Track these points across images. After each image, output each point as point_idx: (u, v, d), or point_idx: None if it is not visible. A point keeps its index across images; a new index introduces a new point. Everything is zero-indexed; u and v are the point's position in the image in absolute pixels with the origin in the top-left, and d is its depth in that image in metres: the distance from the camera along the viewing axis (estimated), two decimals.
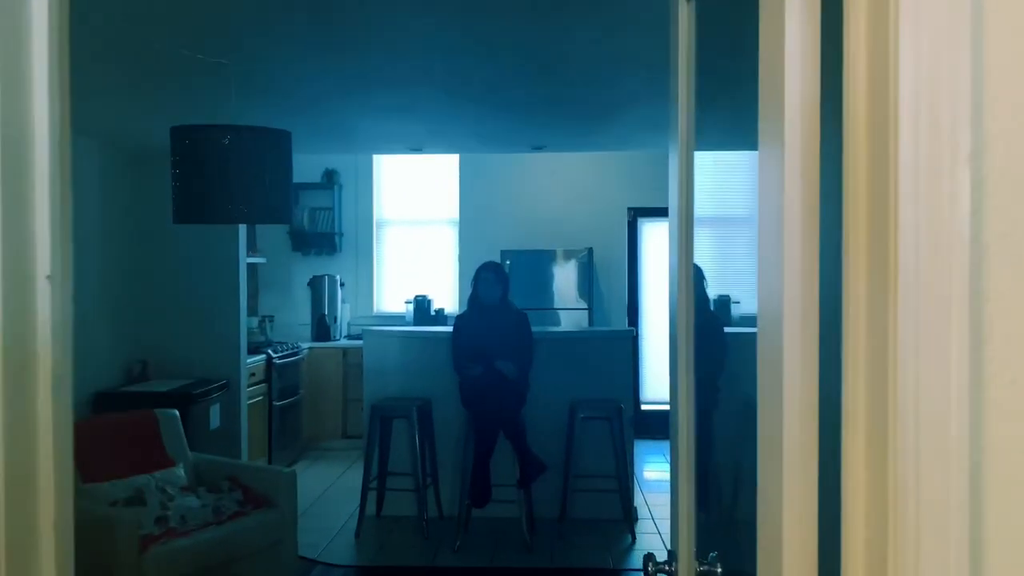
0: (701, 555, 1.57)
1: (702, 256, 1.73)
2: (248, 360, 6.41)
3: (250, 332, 6.82)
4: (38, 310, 1.03)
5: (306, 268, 8.15)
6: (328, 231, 8.18)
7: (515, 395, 5.16)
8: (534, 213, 8.05)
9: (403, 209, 8.41)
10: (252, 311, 7.53)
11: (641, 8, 2.98)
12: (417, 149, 6.47)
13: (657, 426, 7.46)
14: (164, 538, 3.90)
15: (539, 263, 7.82)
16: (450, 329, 5.51)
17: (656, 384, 8.01)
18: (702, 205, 1.71)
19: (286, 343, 7.41)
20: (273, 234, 7.93)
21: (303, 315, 8.06)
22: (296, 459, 7.30)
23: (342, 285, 8.07)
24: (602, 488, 5.38)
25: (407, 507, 5.50)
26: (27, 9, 1.03)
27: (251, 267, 7.38)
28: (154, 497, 4.18)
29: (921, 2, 0.82)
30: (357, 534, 5.35)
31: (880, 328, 0.86)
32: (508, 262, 7.51)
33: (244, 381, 6.28)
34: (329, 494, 6.34)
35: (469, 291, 5.43)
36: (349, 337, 7.98)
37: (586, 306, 7.77)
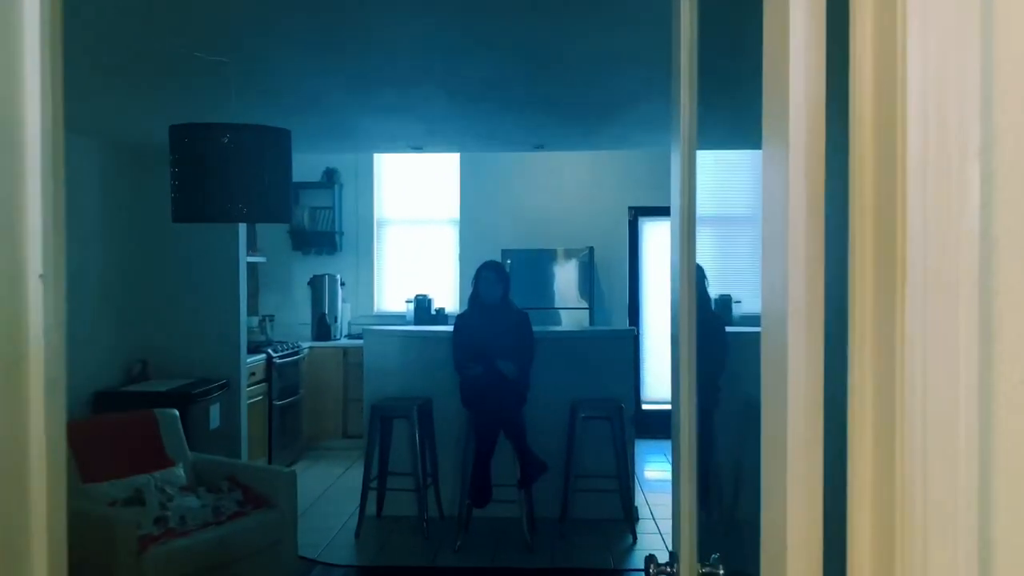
0: (703, 556, 1.56)
1: (703, 255, 1.72)
2: (248, 360, 6.40)
3: (250, 331, 6.81)
4: (30, 309, 1.01)
5: (306, 267, 8.14)
6: (328, 230, 8.17)
7: (516, 395, 5.15)
8: (535, 212, 8.04)
9: (404, 208, 8.40)
10: (252, 310, 7.52)
11: (642, 6, 2.96)
12: (417, 148, 6.46)
13: (658, 426, 7.44)
14: (163, 538, 3.89)
15: (540, 262, 7.81)
16: (451, 329, 5.50)
17: (657, 384, 8.00)
18: (703, 204, 1.70)
19: (286, 342, 7.40)
20: (273, 233, 7.92)
21: (303, 314, 8.05)
22: (296, 459, 7.29)
23: (342, 284, 8.06)
24: (603, 488, 5.37)
25: (407, 507, 5.48)
26: (18, 4, 1.02)
27: (251, 266, 7.37)
28: (153, 497, 4.17)
29: None
30: (357, 534, 5.34)
31: (887, 325, 0.85)
32: (509, 261, 7.50)
33: (244, 381, 6.27)
34: (329, 494, 6.33)
35: (470, 290, 5.42)
36: (349, 336, 7.97)
37: (587, 305, 7.76)
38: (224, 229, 6.00)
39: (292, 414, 7.30)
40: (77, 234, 5.41)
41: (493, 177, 8.07)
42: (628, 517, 5.34)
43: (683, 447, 1.65)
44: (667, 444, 7.23)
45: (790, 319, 0.99)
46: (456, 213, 8.23)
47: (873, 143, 0.89)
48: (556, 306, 7.75)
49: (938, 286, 0.81)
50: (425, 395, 5.57)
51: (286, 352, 7.20)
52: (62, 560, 1.09)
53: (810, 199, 0.99)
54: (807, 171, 0.99)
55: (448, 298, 8.17)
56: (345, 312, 8.09)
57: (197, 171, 3.46)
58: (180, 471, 4.55)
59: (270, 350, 6.97)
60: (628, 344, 5.81)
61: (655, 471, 6.94)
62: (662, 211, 7.79)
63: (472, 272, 5.47)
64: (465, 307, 5.62)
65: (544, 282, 7.79)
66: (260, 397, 6.70)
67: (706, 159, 1.73)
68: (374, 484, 5.50)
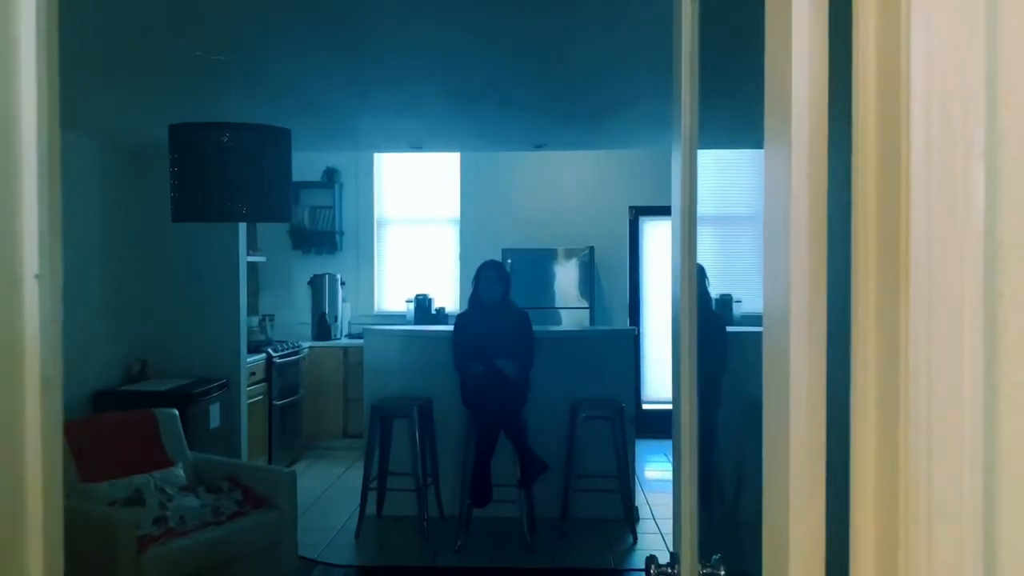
0: (704, 557, 1.55)
1: (703, 255, 1.71)
2: (248, 359, 6.40)
3: (250, 331, 6.80)
4: (26, 310, 1.00)
5: (306, 267, 8.14)
6: (329, 230, 8.17)
7: (516, 394, 5.14)
8: (535, 212, 8.03)
9: (404, 208, 8.40)
10: (252, 310, 7.52)
11: (643, 4, 2.96)
12: (418, 147, 6.45)
13: (659, 425, 7.44)
14: (163, 538, 3.88)
15: (540, 262, 7.80)
16: (451, 328, 5.49)
17: (657, 383, 8.00)
18: (703, 204, 1.69)
19: (286, 342, 7.40)
20: (273, 233, 7.91)
21: (303, 314, 8.04)
22: (296, 459, 7.28)
23: (343, 284, 8.06)
24: (603, 488, 5.37)
25: (408, 507, 5.48)
26: (13, 0, 1.01)
27: (251, 266, 7.36)
28: (153, 497, 4.16)
29: None
30: (357, 534, 5.33)
31: (890, 326, 0.84)
32: (509, 261, 7.50)
33: (244, 380, 6.27)
34: (329, 494, 6.32)
35: (470, 290, 5.42)
36: (350, 336, 7.96)
37: (587, 305, 7.76)
38: (224, 228, 6.00)
39: (292, 414, 7.30)
40: (77, 234, 5.41)
41: (493, 176, 8.06)
42: (629, 517, 5.34)
43: (684, 447, 1.64)
44: (668, 444, 7.22)
45: (792, 319, 0.98)
46: (456, 212, 8.22)
47: (876, 142, 0.88)
48: (556, 306, 7.75)
49: (942, 287, 0.80)
50: (425, 395, 5.57)
51: (286, 352, 7.20)
52: (58, 560, 1.08)
53: (812, 199, 0.98)
54: (809, 170, 0.98)
55: (448, 298, 8.17)
56: (345, 312, 8.09)
57: (197, 170, 3.45)
58: (180, 471, 4.54)
59: (270, 350, 6.96)
60: (628, 344, 5.81)
61: (656, 471, 6.94)
62: (663, 210, 7.79)
63: (472, 272, 5.47)
64: (465, 307, 5.61)
65: (544, 282, 7.78)
66: (260, 397, 6.69)
67: (706, 159, 1.73)
68: (374, 484, 5.49)
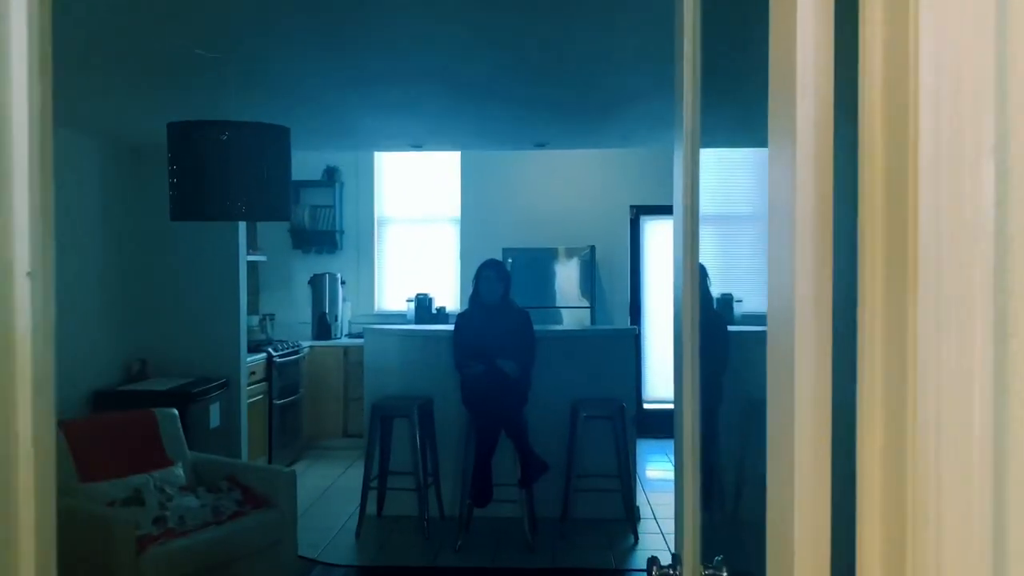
0: (706, 559, 1.54)
1: (704, 254, 1.70)
2: (248, 358, 6.39)
3: (250, 330, 6.79)
4: (17, 308, 0.99)
5: (307, 266, 8.13)
6: (329, 229, 8.16)
7: (517, 394, 5.13)
8: (536, 211, 8.02)
9: (404, 207, 8.38)
10: (252, 309, 7.51)
11: (644, 3, 2.94)
12: (418, 146, 6.43)
13: (660, 425, 7.43)
14: (162, 538, 3.87)
15: (541, 261, 7.79)
16: (451, 328, 5.48)
17: (658, 383, 7.98)
18: (703, 203, 1.68)
19: (287, 341, 7.39)
20: (274, 232, 7.90)
21: (304, 313, 8.03)
22: (296, 458, 7.27)
23: (343, 283, 8.05)
24: (604, 488, 5.35)
25: (408, 507, 5.46)
26: None
27: (251, 265, 7.35)
28: (152, 497, 4.15)
29: None
30: (357, 534, 5.32)
31: (898, 325, 0.83)
32: (510, 260, 7.48)
33: (244, 380, 6.25)
34: (329, 493, 6.31)
35: (470, 289, 5.40)
36: (350, 335, 7.95)
37: (588, 304, 7.74)
38: (224, 227, 5.99)
39: (292, 413, 7.28)
40: (77, 233, 5.40)
41: (494, 175, 8.05)
42: (630, 517, 5.32)
43: (686, 448, 1.62)
44: (668, 443, 7.22)
45: (797, 321, 0.97)
46: (457, 212, 8.21)
47: (883, 138, 0.86)
48: (557, 305, 7.74)
49: (951, 285, 0.78)
50: (426, 394, 5.55)
51: (286, 351, 7.18)
52: (51, 561, 1.07)
53: (818, 196, 0.96)
54: (815, 167, 0.97)
55: (449, 297, 8.16)
56: (346, 311, 8.08)
57: (196, 169, 3.44)
58: (179, 471, 4.53)
59: (270, 349, 6.95)
60: (629, 343, 5.79)
61: (656, 470, 6.92)
62: (663, 209, 7.77)
63: (473, 271, 5.45)
64: (466, 306, 5.60)
65: (545, 281, 7.77)
66: (260, 396, 6.68)
67: (707, 157, 1.71)
68: (374, 484, 5.48)
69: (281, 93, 4.37)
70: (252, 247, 7.17)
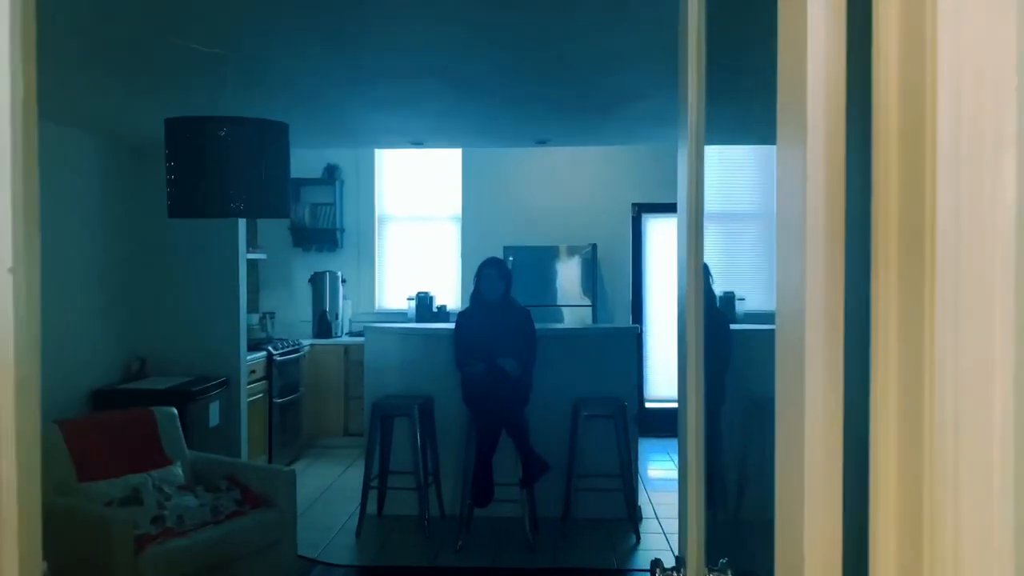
0: (711, 561, 1.51)
1: (706, 253, 1.67)
2: (248, 357, 6.36)
3: (250, 329, 6.76)
4: None
5: (307, 264, 8.10)
6: (329, 227, 8.14)
7: (518, 393, 5.10)
8: (537, 209, 7.99)
9: (405, 205, 8.36)
10: (252, 307, 7.48)
11: (644, 2, 2.91)
12: (418, 143, 6.40)
13: (661, 424, 7.40)
14: (161, 538, 3.85)
15: (542, 259, 7.76)
16: (452, 326, 5.46)
17: (660, 382, 7.96)
18: (706, 201, 1.65)
19: (287, 340, 7.36)
20: (274, 230, 7.88)
21: (304, 312, 8.01)
22: (296, 457, 7.25)
23: (343, 281, 8.02)
24: (606, 487, 5.33)
25: (408, 506, 5.44)
26: None
27: (251, 263, 7.32)
28: (151, 496, 4.13)
29: None
30: (358, 533, 5.30)
31: (914, 324, 0.80)
32: (511, 258, 7.46)
33: (244, 378, 6.23)
34: (329, 493, 6.29)
35: (471, 288, 5.38)
36: (350, 334, 7.93)
37: (590, 303, 7.72)
38: (224, 225, 5.96)
39: (292, 412, 7.26)
40: (76, 230, 5.37)
41: (495, 173, 8.02)
42: (631, 517, 5.30)
43: (691, 449, 1.60)
44: (670, 443, 7.19)
45: (808, 320, 0.94)
46: (458, 210, 8.19)
47: (898, 130, 0.84)
48: (559, 303, 7.71)
49: (971, 281, 0.76)
50: (426, 393, 5.53)
51: (286, 350, 7.16)
52: (36, 563, 1.04)
53: (829, 193, 0.94)
54: (826, 163, 0.94)
55: (450, 295, 8.13)
56: (346, 309, 8.06)
57: (194, 165, 3.40)
58: (178, 470, 4.50)
59: (270, 347, 6.93)
60: (631, 342, 5.77)
61: (658, 470, 6.90)
62: (665, 208, 7.75)
63: (474, 269, 5.43)
64: (467, 304, 5.58)
65: (547, 279, 7.75)
66: (260, 395, 6.66)
67: (709, 155, 1.69)
68: (375, 483, 5.46)
69: (281, 91, 4.34)
70: (252, 245, 7.15)
